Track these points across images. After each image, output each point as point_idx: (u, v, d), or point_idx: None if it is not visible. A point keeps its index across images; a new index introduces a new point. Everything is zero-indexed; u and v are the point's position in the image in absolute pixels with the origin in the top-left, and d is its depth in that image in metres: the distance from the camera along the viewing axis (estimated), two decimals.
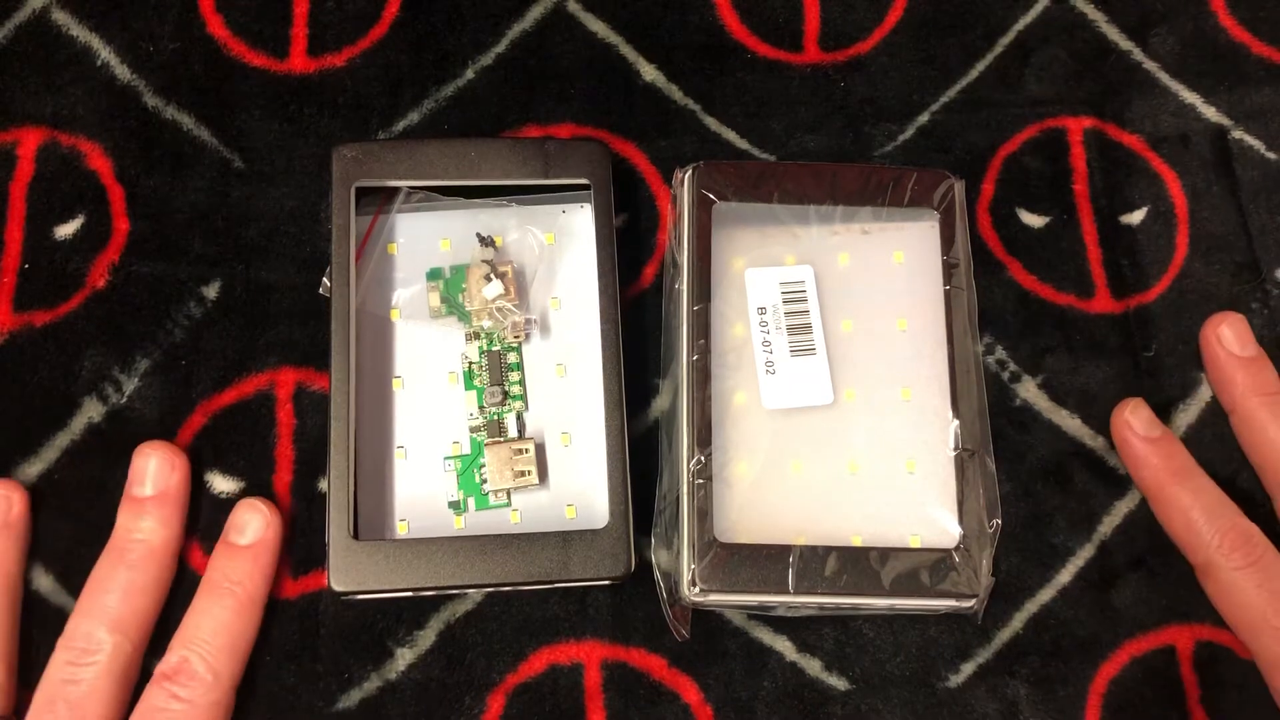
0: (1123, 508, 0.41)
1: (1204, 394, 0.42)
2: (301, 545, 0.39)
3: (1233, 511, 0.39)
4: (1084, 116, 0.45)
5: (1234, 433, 0.41)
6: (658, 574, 0.39)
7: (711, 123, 0.44)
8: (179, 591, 0.38)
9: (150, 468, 0.38)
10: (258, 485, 0.40)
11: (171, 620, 0.38)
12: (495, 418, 0.40)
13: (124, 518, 0.38)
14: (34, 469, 0.39)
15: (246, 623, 0.37)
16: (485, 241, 0.41)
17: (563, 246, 0.42)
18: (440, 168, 0.40)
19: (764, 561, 0.38)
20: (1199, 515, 0.39)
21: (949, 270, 0.41)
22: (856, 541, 0.39)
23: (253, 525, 0.38)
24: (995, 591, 0.39)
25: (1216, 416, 0.42)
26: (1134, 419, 0.40)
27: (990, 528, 0.39)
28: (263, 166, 0.43)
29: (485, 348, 0.40)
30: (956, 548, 0.38)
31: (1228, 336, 0.41)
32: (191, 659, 0.36)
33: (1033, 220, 0.44)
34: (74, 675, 0.35)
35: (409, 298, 0.41)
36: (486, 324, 0.40)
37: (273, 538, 0.38)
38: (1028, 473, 0.41)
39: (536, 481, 0.39)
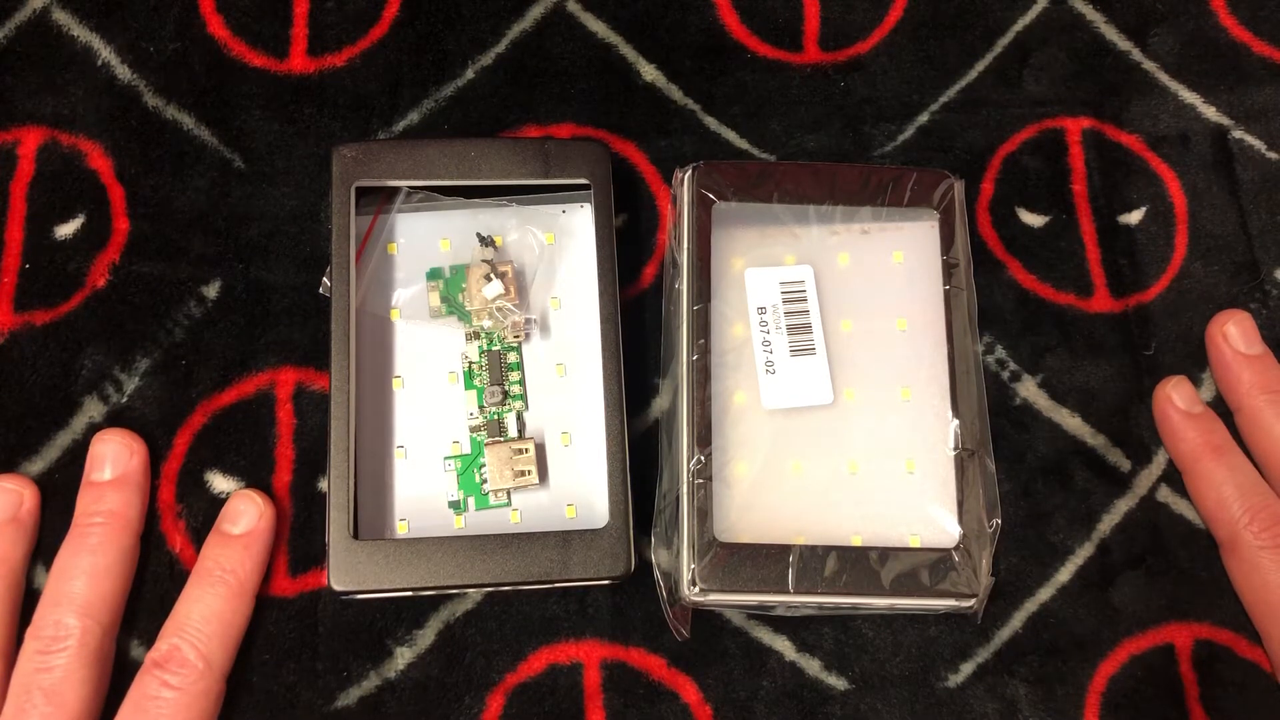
0: (1122, 506, 0.41)
1: (1204, 393, 0.42)
2: (301, 545, 0.39)
3: (1265, 492, 0.39)
4: (1082, 116, 0.45)
5: (1239, 431, 0.41)
6: (658, 574, 0.39)
7: (711, 123, 0.44)
8: (162, 582, 0.38)
9: (109, 453, 0.39)
10: (258, 485, 0.40)
11: (143, 607, 0.38)
12: (495, 417, 0.40)
13: (83, 503, 0.38)
14: (35, 468, 0.39)
15: (237, 611, 0.37)
16: (485, 241, 0.41)
17: (563, 246, 0.42)
18: (440, 168, 0.40)
19: (764, 561, 0.38)
20: (1231, 491, 0.39)
21: (949, 270, 0.41)
22: (856, 541, 0.39)
23: (247, 515, 0.38)
24: (995, 591, 0.39)
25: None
26: (1175, 394, 0.41)
27: (990, 527, 0.39)
28: (263, 166, 0.43)
29: (485, 347, 0.40)
30: (956, 547, 0.38)
31: (1234, 334, 0.41)
32: (182, 646, 0.36)
33: (1032, 220, 0.44)
34: (46, 663, 0.35)
35: (409, 298, 0.41)
36: (486, 324, 0.41)
37: (266, 528, 0.38)
38: (1028, 472, 0.41)
39: (536, 481, 0.39)
